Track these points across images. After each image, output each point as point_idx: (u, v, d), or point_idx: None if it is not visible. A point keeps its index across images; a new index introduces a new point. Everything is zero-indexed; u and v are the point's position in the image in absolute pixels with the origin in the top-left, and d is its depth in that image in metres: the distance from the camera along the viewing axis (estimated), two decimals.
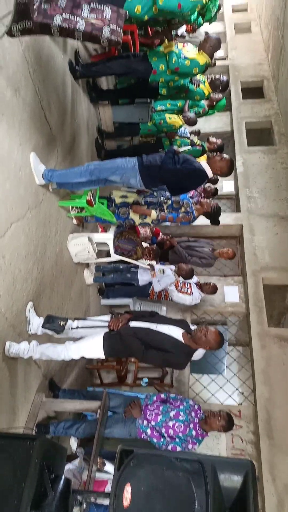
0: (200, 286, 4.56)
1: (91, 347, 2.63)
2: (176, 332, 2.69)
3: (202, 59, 3.73)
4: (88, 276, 4.31)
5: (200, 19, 4.24)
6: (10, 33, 2.13)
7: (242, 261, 5.51)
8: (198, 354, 2.75)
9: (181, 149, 4.17)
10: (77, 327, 2.96)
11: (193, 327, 2.83)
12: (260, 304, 4.91)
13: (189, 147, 4.92)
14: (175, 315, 5.11)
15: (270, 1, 7.93)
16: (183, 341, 2.67)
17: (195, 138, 5.18)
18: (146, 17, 3.20)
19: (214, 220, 3.80)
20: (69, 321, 2.95)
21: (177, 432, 2.74)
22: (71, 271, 3.92)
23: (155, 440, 2.82)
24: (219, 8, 4.91)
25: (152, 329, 2.67)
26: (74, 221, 3.89)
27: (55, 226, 3.45)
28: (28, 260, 2.89)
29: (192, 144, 5.03)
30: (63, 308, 3.68)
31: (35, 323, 2.88)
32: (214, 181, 5.70)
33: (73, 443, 3.33)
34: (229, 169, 3.14)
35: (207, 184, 5.64)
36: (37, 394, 3.05)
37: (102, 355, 2.70)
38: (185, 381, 4.73)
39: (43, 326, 2.81)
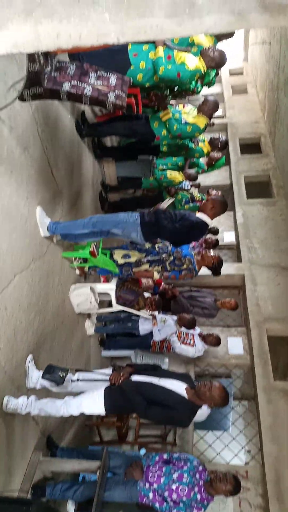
0: (203, 337, 4.49)
1: (92, 403, 2.55)
2: (179, 387, 2.61)
3: (202, 121, 3.95)
4: (89, 327, 4.27)
5: (199, 85, 4.55)
6: (21, 97, 2.29)
7: (245, 312, 5.47)
8: (202, 414, 2.64)
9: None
10: (78, 380, 2.89)
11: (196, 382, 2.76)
12: (265, 357, 4.80)
13: (190, 204, 5.09)
14: (178, 368, 4.99)
15: (264, 66, 8.51)
16: (186, 397, 2.59)
17: (195, 192, 5.34)
18: (147, 84, 3.44)
19: (216, 272, 3.84)
20: (70, 374, 2.89)
21: (181, 496, 2.58)
22: (72, 321, 3.89)
23: (157, 505, 2.65)
24: (217, 73, 5.27)
25: (154, 383, 2.60)
26: (77, 272, 3.92)
27: (58, 277, 3.48)
28: (30, 311, 2.88)
29: (192, 198, 5.18)
30: (64, 360, 3.61)
31: (35, 377, 2.82)
32: (215, 232, 5.81)
33: (70, 508, 3.12)
34: (222, 208, 3.17)
35: (208, 235, 5.74)
36: (34, 452, 2.91)
37: (102, 412, 2.61)
38: (188, 439, 4.52)
39: (43, 377, 2.74)
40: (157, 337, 4.18)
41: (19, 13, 1.25)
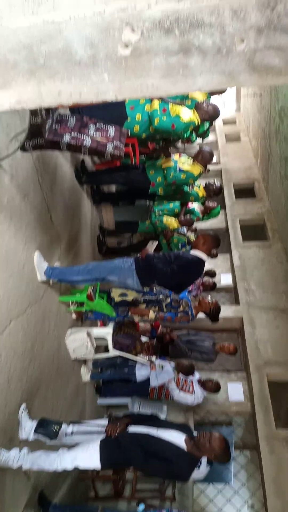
0: (202, 383, 4.38)
1: (87, 457, 2.44)
2: (178, 438, 2.51)
3: (197, 169, 4.10)
4: (85, 373, 4.16)
5: (194, 135, 4.77)
6: (23, 148, 2.37)
7: (245, 355, 5.37)
8: (200, 471, 2.51)
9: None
10: (72, 433, 2.77)
11: (195, 433, 2.65)
12: (266, 403, 4.66)
13: (187, 246, 5.15)
14: (176, 416, 4.82)
15: (256, 116, 8.93)
16: (186, 449, 2.48)
17: (191, 236, 5.42)
18: (144, 135, 3.59)
19: (214, 318, 3.81)
20: (64, 426, 2.78)
21: None
22: (67, 368, 3.80)
23: None
24: (212, 124, 5.53)
25: (152, 435, 2.49)
26: (73, 316, 3.89)
27: (54, 321, 3.44)
28: (25, 358, 2.82)
29: (189, 241, 5.25)
30: (58, 408, 3.49)
31: (28, 427, 2.70)
32: (212, 275, 5.83)
33: None
34: (214, 241, 3.20)
35: (205, 278, 5.76)
36: (25, 510, 2.74)
37: (98, 466, 2.48)
38: (188, 494, 4.28)
39: (35, 431, 2.63)
40: (154, 382, 4.06)
41: (23, 74, 1.33)
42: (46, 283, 3.23)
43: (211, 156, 4.28)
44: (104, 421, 2.82)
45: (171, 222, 5.22)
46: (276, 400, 5.03)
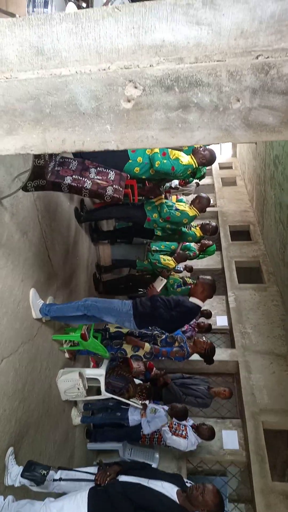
0: (196, 428, 4.24)
1: (74, 507, 2.31)
2: (169, 490, 2.39)
3: (192, 212, 4.21)
4: (76, 416, 4.03)
5: (192, 178, 4.93)
6: (25, 188, 2.44)
7: (240, 401, 5.23)
8: None
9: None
10: (60, 479, 2.64)
11: (188, 484, 2.54)
12: (262, 453, 4.50)
13: (182, 287, 5.17)
14: (169, 464, 4.63)
15: (251, 162, 9.24)
16: (177, 501, 2.36)
17: (188, 280, 5.44)
18: (143, 177, 3.71)
19: (209, 360, 3.76)
20: (51, 471, 2.66)
21: None
22: (58, 409, 3.68)
23: None
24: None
25: (143, 485, 2.38)
26: (66, 355, 3.82)
27: (46, 361, 3.37)
28: (15, 399, 2.74)
29: (184, 282, 5.27)
30: (46, 453, 3.35)
31: (14, 473, 2.59)
32: (208, 316, 5.80)
33: None
34: (212, 290, 3.26)
35: (201, 319, 5.72)
36: None
37: None
38: None
39: (22, 475, 2.51)
40: (146, 430, 3.93)
41: (30, 121, 1.39)
42: (40, 321, 3.21)
43: (208, 202, 4.43)
44: (93, 469, 2.70)
45: (169, 262, 5.26)
46: (272, 449, 4.86)
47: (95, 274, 5.11)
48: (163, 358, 3.87)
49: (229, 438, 4.95)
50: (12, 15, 2.10)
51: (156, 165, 3.52)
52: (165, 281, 3.76)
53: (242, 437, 4.93)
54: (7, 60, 1.30)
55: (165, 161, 3.52)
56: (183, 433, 4.06)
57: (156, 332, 3.58)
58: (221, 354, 5.66)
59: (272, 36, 1.18)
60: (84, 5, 2.26)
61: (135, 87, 1.27)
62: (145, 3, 1.22)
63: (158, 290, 3.53)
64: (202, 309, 6.09)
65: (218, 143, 4.70)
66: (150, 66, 1.24)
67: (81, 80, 1.29)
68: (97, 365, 4.01)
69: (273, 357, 5.57)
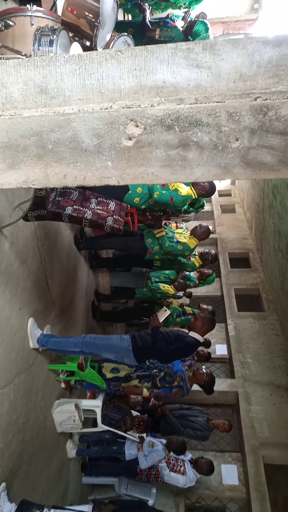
0: (194, 462, 4.10)
1: None
2: None
3: (193, 243, 4.24)
4: (71, 449, 3.91)
5: (192, 209, 4.99)
6: (25, 218, 2.45)
7: (240, 434, 5.09)
8: None
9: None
10: None
11: None
12: (262, 490, 4.34)
13: (182, 317, 5.14)
14: (166, 500, 4.46)
15: (250, 190, 9.36)
16: None
17: (188, 309, 5.41)
18: (143, 206, 3.75)
19: (208, 390, 3.68)
20: (45, 510, 2.56)
21: None
22: (52, 442, 3.58)
23: None
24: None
25: None
26: (62, 385, 3.74)
27: (42, 391, 3.30)
28: (9, 432, 2.67)
29: (184, 312, 5.23)
30: (39, 487, 3.23)
31: (6, 510, 2.49)
32: (207, 345, 5.72)
33: None
34: (212, 325, 3.32)
35: (200, 348, 5.65)
36: None
37: None
38: None
39: None
40: (143, 464, 3.80)
41: (32, 157, 1.41)
42: (36, 351, 3.16)
43: (209, 232, 4.47)
44: (88, 507, 2.61)
45: (168, 288, 5.24)
46: (273, 484, 4.70)
47: (94, 302, 5.08)
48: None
49: (229, 473, 4.79)
50: (18, 52, 2.17)
51: (155, 196, 3.56)
52: (168, 312, 3.73)
53: (242, 472, 4.77)
54: (11, 98, 1.33)
55: (164, 192, 3.56)
56: (181, 469, 3.93)
57: (154, 371, 3.52)
58: (221, 385, 5.56)
59: (270, 79, 1.22)
60: (88, 43, 2.34)
61: (137, 126, 1.30)
62: (147, 47, 1.26)
63: (161, 321, 3.50)
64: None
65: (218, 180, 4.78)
66: (151, 106, 1.27)
67: (84, 118, 1.32)
68: (93, 396, 3.93)
69: (273, 388, 5.46)
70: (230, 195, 12.42)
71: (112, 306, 5.67)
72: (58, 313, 3.70)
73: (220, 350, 6.79)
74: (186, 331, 3.54)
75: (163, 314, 3.66)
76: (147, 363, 3.66)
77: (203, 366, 3.91)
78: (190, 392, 4.98)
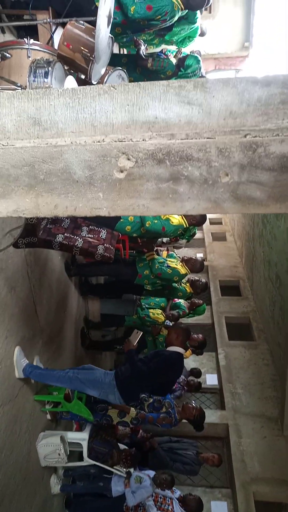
0: (182, 500, 3.95)
1: None
2: None
3: (183, 270, 4.25)
4: (55, 484, 3.74)
5: (184, 237, 5.04)
6: (16, 245, 2.43)
7: (230, 469, 4.94)
8: None
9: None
10: None
11: None
12: None
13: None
14: None
15: (241, 219, 9.49)
16: None
17: None
18: (134, 235, 3.76)
19: (198, 426, 3.60)
20: None
21: None
22: (36, 477, 3.43)
23: None
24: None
25: None
26: (48, 416, 3.62)
27: (27, 423, 3.19)
28: None
29: None
30: None
31: None
32: (197, 374, 5.64)
33: None
34: (186, 334, 3.19)
35: (190, 377, 5.55)
36: None
37: None
38: None
39: None
40: (131, 501, 3.64)
41: (23, 187, 1.41)
42: (22, 380, 3.07)
43: (202, 267, 4.53)
44: None
45: (158, 316, 5.19)
46: None
47: (83, 329, 5.00)
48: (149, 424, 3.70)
49: (219, 510, 4.62)
50: (14, 83, 2.21)
51: (147, 226, 3.57)
52: (141, 333, 3.66)
53: (232, 509, 4.60)
54: (4, 129, 1.35)
55: (156, 221, 3.58)
56: (169, 508, 3.77)
57: (143, 395, 3.44)
58: (211, 416, 5.43)
59: (259, 117, 1.25)
60: (82, 76, 2.40)
61: (128, 159, 1.32)
62: (140, 84, 1.29)
63: (134, 344, 3.41)
64: (192, 367, 5.95)
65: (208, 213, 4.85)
66: (143, 140, 1.29)
67: (76, 151, 1.33)
68: (80, 428, 3.81)
69: (264, 420, 5.35)
70: (221, 223, 12.58)
71: (101, 334, 5.58)
72: (46, 340, 3.63)
73: (210, 380, 6.68)
74: None
75: (135, 337, 3.59)
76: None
77: (193, 402, 3.83)
78: (180, 424, 4.87)
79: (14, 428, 2.93)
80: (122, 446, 3.93)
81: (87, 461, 3.55)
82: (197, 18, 4.20)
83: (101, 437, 3.62)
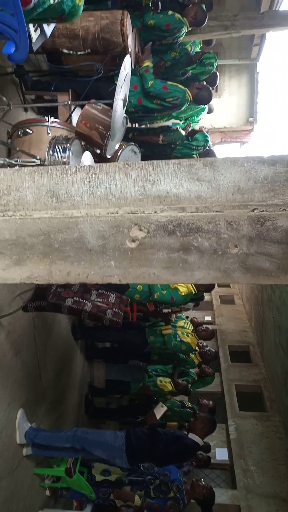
0: None
1: None
2: None
3: (194, 342, 4.23)
4: None
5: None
6: (25, 308, 2.45)
7: None
8: None
9: None
10: None
11: None
12: None
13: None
14: None
15: None
16: None
17: (186, 401, 5.15)
18: (144, 302, 3.77)
19: (206, 508, 3.31)
20: None
21: None
22: None
23: None
24: None
25: None
26: (47, 492, 3.37)
27: (24, 500, 2.97)
28: None
29: (183, 405, 4.97)
30: None
31: None
32: (207, 449, 5.30)
33: None
34: (212, 427, 3.21)
35: (199, 452, 5.21)
36: None
37: None
38: None
39: None
40: None
41: (38, 254, 1.46)
42: (22, 450, 2.91)
43: (212, 336, 4.52)
44: None
45: (165, 384, 5.00)
46: None
47: (87, 396, 4.82)
48: None
49: None
50: (33, 156, 2.37)
51: (156, 297, 3.60)
52: (165, 408, 3.52)
53: None
54: (23, 200, 1.43)
55: (164, 291, 3.61)
56: None
57: (149, 477, 3.20)
58: (221, 496, 5.01)
59: (266, 193, 1.31)
60: (98, 151, 2.57)
61: (140, 230, 1.37)
62: (153, 162, 1.38)
63: (158, 418, 3.29)
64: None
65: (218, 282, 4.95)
66: (155, 212, 1.36)
67: (91, 221, 1.39)
68: (80, 507, 3.52)
69: (279, 502, 4.91)
70: (229, 286, 12.53)
71: (106, 401, 5.37)
72: (49, 407, 3.50)
73: (220, 454, 6.25)
74: (185, 432, 3.31)
75: (160, 411, 3.46)
76: (142, 468, 3.35)
77: (202, 480, 3.56)
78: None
79: (10, 507, 2.73)
80: None
81: None
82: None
83: None
